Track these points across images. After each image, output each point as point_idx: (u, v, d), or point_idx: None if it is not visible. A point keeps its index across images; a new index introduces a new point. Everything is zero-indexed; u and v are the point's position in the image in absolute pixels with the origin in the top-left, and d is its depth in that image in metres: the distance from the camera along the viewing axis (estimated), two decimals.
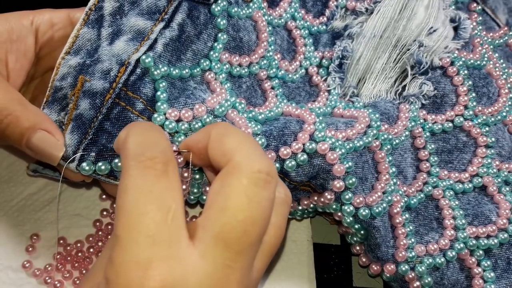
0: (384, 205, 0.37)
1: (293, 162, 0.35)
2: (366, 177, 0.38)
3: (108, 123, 0.33)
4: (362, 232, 0.37)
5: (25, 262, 0.37)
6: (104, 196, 0.41)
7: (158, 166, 0.25)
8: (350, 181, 0.35)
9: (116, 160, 0.33)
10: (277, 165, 0.35)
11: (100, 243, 0.39)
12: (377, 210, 0.36)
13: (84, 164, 0.32)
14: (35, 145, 0.32)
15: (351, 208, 0.36)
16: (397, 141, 0.40)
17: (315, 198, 0.37)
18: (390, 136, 0.39)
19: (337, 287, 0.40)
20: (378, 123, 0.38)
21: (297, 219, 0.42)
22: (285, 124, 0.37)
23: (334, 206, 0.36)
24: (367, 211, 0.36)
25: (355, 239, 0.39)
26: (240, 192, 0.24)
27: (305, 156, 0.35)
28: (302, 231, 0.42)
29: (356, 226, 0.37)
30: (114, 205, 0.41)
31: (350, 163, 0.36)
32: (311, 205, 0.38)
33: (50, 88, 0.34)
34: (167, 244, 0.23)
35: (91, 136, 0.33)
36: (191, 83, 0.36)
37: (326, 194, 0.36)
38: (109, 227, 0.40)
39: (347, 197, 0.36)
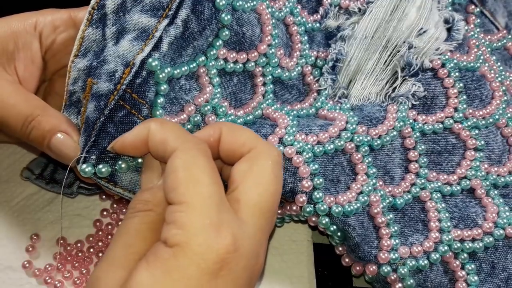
0: (358, 204, 0.37)
1: None
2: (339, 179, 0.38)
3: (111, 126, 0.33)
4: (338, 234, 0.38)
5: (25, 262, 0.37)
6: (104, 196, 0.41)
7: (208, 150, 0.29)
8: (318, 181, 0.36)
9: (120, 162, 0.33)
10: None
11: (100, 243, 0.40)
12: (349, 209, 0.37)
13: (84, 166, 0.32)
14: (54, 147, 0.33)
15: (325, 206, 0.36)
16: (378, 141, 0.40)
17: (288, 207, 0.37)
18: (368, 138, 0.39)
19: (337, 287, 0.41)
20: (354, 126, 0.39)
21: (277, 226, 0.42)
22: (258, 128, 0.38)
23: (308, 209, 0.36)
24: (339, 208, 0.36)
25: (335, 240, 0.39)
26: (269, 170, 0.30)
27: None
28: (302, 231, 0.42)
29: (332, 228, 0.37)
30: (115, 205, 0.41)
31: (316, 166, 0.37)
32: (286, 213, 0.38)
33: (66, 92, 0.34)
34: (228, 210, 0.27)
35: (93, 138, 0.32)
36: (181, 79, 0.36)
37: (298, 196, 0.36)
38: (109, 227, 0.40)
39: (318, 196, 0.36)
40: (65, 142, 0.33)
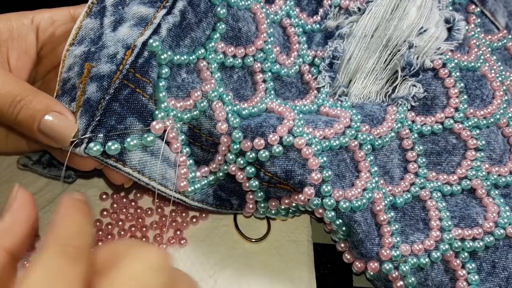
0: (364, 200, 0.37)
1: (267, 153, 0.36)
2: (344, 175, 0.38)
3: (117, 104, 0.33)
4: (344, 228, 0.38)
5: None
6: (104, 196, 0.41)
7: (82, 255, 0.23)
8: (326, 174, 0.36)
9: (129, 139, 0.33)
10: (253, 154, 0.36)
11: (100, 243, 0.39)
12: (356, 204, 0.37)
13: (91, 144, 0.32)
14: (47, 127, 0.31)
15: (332, 201, 0.36)
16: (379, 141, 0.40)
17: (296, 197, 0.37)
18: (371, 137, 0.40)
19: (337, 287, 0.41)
20: (358, 124, 0.39)
21: (281, 219, 0.42)
22: (265, 119, 0.38)
23: (315, 202, 0.36)
24: (347, 203, 0.36)
25: (338, 236, 0.39)
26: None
27: (281, 148, 0.36)
28: (302, 231, 0.42)
29: (338, 222, 0.37)
30: (115, 205, 0.41)
31: (325, 158, 0.37)
32: (293, 204, 0.38)
33: (58, 81, 0.34)
34: None
35: (98, 118, 0.32)
36: (182, 72, 0.37)
37: (306, 189, 0.36)
38: (109, 227, 0.40)
39: (326, 189, 0.36)
40: (60, 121, 0.31)
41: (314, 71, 0.45)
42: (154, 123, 0.34)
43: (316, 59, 0.45)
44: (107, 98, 0.32)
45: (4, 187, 0.40)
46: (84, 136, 0.32)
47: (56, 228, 0.24)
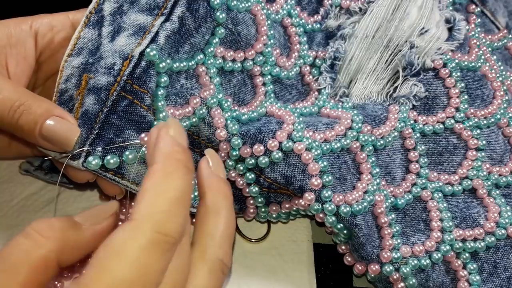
0: (365, 204, 0.37)
1: (266, 159, 0.36)
2: (345, 178, 0.38)
3: (115, 117, 0.33)
4: (345, 231, 0.38)
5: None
6: (103, 196, 0.41)
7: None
8: (327, 179, 0.36)
9: (127, 152, 0.33)
10: (252, 161, 0.36)
11: None
12: (357, 208, 0.36)
13: (90, 158, 0.32)
14: (49, 131, 0.31)
15: (332, 206, 0.36)
16: (381, 142, 0.40)
17: (296, 201, 0.37)
18: (373, 138, 0.39)
19: (337, 287, 0.41)
20: (360, 125, 0.39)
21: (282, 222, 0.42)
22: (264, 124, 0.38)
23: (315, 207, 0.36)
24: (348, 208, 0.36)
25: (339, 238, 0.39)
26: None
27: (280, 154, 0.36)
28: (302, 231, 0.42)
29: (339, 226, 0.37)
30: None
31: (325, 163, 0.37)
32: (294, 208, 0.38)
33: (56, 92, 0.34)
34: None
35: (97, 131, 0.32)
36: (181, 78, 0.37)
37: (306, 194, 0.36)
38: None
39: (326, 194, 0.36)
40: (63, 124, 0.31)
41: (315, 72, 0.45)
42: None
43: (317, 60, 0.45)
44: (105, 110, 0.32)
45: (4, 187, 0.40)
46: (83, 150, 0.32)
47: (151, 197, 0.21)
